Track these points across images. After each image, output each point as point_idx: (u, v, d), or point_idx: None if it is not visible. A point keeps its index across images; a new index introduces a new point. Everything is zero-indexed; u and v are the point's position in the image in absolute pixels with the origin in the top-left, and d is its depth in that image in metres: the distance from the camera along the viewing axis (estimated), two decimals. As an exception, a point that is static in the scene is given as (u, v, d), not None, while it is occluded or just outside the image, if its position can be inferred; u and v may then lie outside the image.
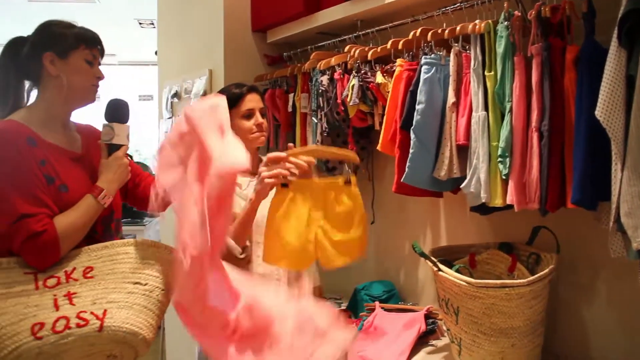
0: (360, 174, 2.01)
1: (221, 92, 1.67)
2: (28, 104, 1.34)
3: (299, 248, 1.35)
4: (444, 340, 1.78)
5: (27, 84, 1.34)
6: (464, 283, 1.38)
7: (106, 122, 1.35)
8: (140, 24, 4.99)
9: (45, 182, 1.20)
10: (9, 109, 1.31)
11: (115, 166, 1.32)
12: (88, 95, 1.34)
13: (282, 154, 1.32)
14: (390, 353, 1.64)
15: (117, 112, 1.38)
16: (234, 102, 1.59)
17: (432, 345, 1.76)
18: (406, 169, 1.51)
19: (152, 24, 5.00)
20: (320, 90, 1.94)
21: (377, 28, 1.92)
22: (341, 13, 2.00)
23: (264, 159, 1.72)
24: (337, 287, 2.23)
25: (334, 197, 1.34)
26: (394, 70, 1.74)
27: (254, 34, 2.44)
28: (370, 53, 1.74)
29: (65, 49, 1.28)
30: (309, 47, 2.23)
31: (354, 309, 2.08)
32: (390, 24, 1.88)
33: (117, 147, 1.34)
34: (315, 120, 2.00)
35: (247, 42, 2.42)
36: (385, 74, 1.79)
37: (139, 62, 5.91)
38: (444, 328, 1.59)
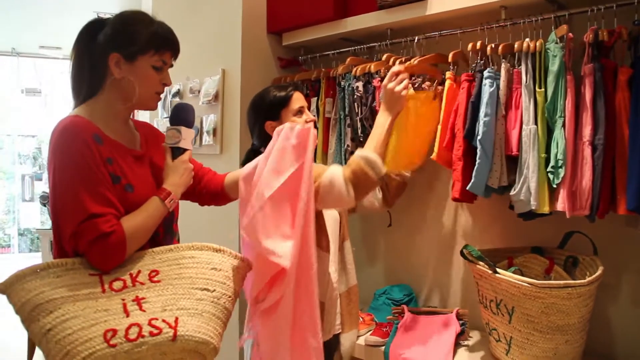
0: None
1: (261, 95, 1.64)
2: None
3: (415, 152, 1.79)
4: (471, 341, 1.87)
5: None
6: (526, 284, 1.46)
7: (171, 126, 1.31)
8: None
9: (111, 182, 1.15)
10: (83, 97, 1.22)
11: (182, 169, 1.29)
12: (149, 103, 1.27)
13: (402, 67, 1.49)
14: (436, 354, 1.69)
15: (185, 116, 1.33)
16: (284, 102, 1.60)
17: (465, 345, 1.84)
18: (472, 178, 1.58)
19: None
20: (355, 96, 1.96)
21: (410, 38, 1.97)
22: (374, 21, 2.03)
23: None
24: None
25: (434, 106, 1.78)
26: (421, 86, 1.83)
27: (268, 35, 2.40)
28: (416, 62, 1.79)
29: (134, 52, 1.20)
30: (330, 52, 2.24)
31: (375, 313, 2.11)
32: (422, 35, 1.95)
33: (182, 151, 1.30)
34: (348, 126, 2.02)
35: (262, 43, 2.38)
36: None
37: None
38: (488, 328, 1.66)
